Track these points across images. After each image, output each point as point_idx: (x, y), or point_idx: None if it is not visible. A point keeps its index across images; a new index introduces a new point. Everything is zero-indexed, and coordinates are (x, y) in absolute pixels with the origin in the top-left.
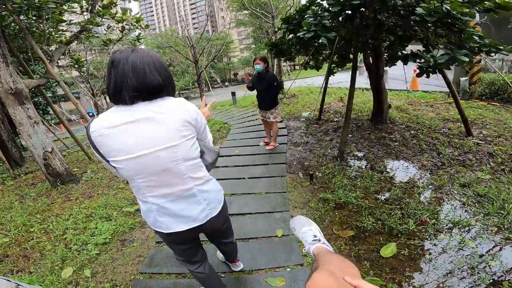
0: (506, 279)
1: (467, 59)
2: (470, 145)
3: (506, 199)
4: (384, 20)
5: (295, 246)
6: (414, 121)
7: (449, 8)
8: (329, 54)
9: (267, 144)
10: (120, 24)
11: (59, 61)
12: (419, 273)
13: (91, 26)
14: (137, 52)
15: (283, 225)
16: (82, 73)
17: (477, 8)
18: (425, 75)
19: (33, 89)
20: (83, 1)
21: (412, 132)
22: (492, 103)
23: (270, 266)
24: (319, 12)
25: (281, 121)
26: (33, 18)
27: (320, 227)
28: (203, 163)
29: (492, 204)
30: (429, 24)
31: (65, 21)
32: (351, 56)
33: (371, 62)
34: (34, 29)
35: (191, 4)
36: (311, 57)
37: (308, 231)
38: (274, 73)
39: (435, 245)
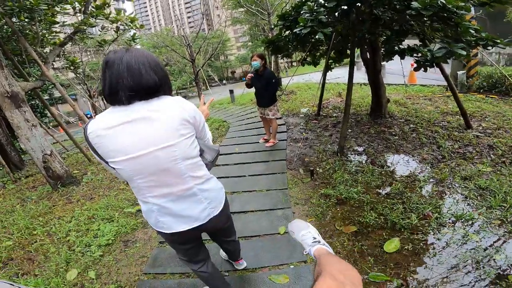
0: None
1: (464, 53)
2: (470, 137)
3: (508, 191)
4: (380, 14)
5: (298, 243)
6: (413, 115)
7: (444, 2)
8: (326, 49)
9: (266, 141)
10: (115, 25)
11: (54, 63)
12: (424, 268)
13: (85, 27)
14: (131, 52)
15: (285, 222)
16: (78, 75)
17: (472, 2)
18: (422, 69)
19: (29, 92)
20: (76, 2)
21: (411, 125)
22: (490, 95)
23: (274, 263)
24: (315, 7)
25: (280, 118)
26: (26, 20)
27: (322, 223)
28: (203, 161)
29: (494, 197)
30: (425, 18)
31: (58, 22)
32: (348, 51)
33: (368, 57)
34: (27, 31)
35: (186, 3)
36: (308, 53)
37: (307, 233)
38: (272, 70)
39: (438, 239)
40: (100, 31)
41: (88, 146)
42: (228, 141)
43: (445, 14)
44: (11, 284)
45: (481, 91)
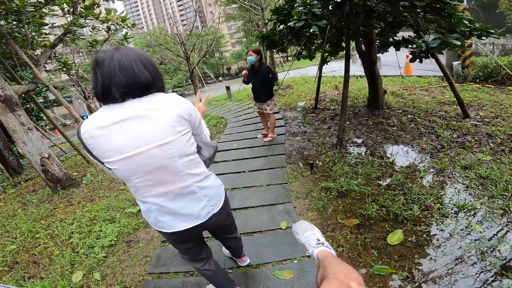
0: None
1: (459, 43)
2: (468, 126)
3: (509, 180)
4: (374, 6)
5: None
6: (411, 106)
7: None
8: (321, 43)
9: (265, 136)
10: (105, 25)
11: (46, 65)
12: (429, 260)
13: (74, 28)
14: (121, 50)
15: (287, 217)
16: (71, 76)
17: None
18: (418, 60)
19: (23, 95)
20: (64, 4)
21: (409, 116)
22: (487, 85)
23: (277, 259)
24: (308, 0)
25: (278, 112)
26: (14, 22)
27: (323, 216)
28: (200, 158)
29: (496, 186)
30: (418, 9)
31: (47, 24)
32: (343, 44)
33: (363, 49)
34: (16, 34)
35: (178, 1)
36: (303, 47)
37: (311, 235)
38: (268, 65)
39: (442, 230)
40: (91, 32)
41: (83, 147)
42: (226, 138)
43: (438, 5)
44: None
45: (477, 81)
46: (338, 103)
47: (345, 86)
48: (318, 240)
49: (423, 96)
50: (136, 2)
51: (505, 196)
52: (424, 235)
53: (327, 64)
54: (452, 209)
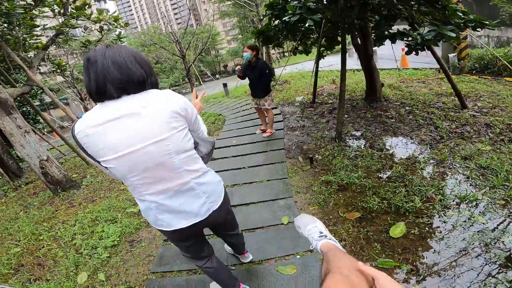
0: None
1: (454, 35)
2: (466, 117)
3: (509, 170)
4: None
5: None
6: (408, 98)
7: None
8: (317, 37)
9: (263, 131)
10: (98, 25)
11: (40, 67)
12: (432, 252)
13: (66, 29)
14: (113, 47)
15: (288, 212)
16: (66, 78)
17: None
18: (414, 52)
19: (18, 98)
20: (54, 5)
21: (407, 108)
22: (483, 76)
23: (280, 254)
24: None
25: (275, 107)
26: (4, 25)
27: (325, 210)
28: (198, 154)
29: (496, 176)
30: (413, 2)
31: (38, 25)
32: (339, 38)
33: (359, 43)
34: (7, 36)
35: (171, 0)
36: (299, 42)
37: (313, 228)
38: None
39: (444, 222)
40: (84, 32)
41: (78, 147)
42: (225, 134)
43: None
44: None
45: (473, 72)
46: (335, 97)
47: (342, 80)
48: (321, 232)
49: (420, 88)
50: (129, 1)
51: (506, 186)
52: (427, 227)
53: (323, 58)
54: (453, 200)
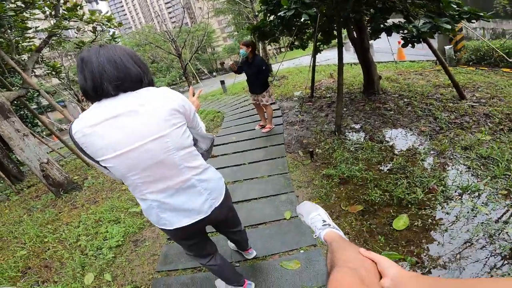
0: None
1: (449, 27)
2: (465, 108)
3: (510, 159)
4: None
5: (305, 226)
6: (406, 90)
7: None
8: (313, 32)
9: (262, 127)
10: (91, 25)
11: (35, 70)
12: (437, 244)
13: (59, 31)
14: (106, 46)
15: (290, 207)
16: (62, 80)
17: None
18: (410, 45)
19: (15, 102)
20: (45, 7)
21: (405, 100)
22: (480, 67)
23: (283, 249)
24: None
25: (274, 103)
26: None
27: (327, 204)
28: (198, 151)
29: (498, 165)
30: None
31: (30, 28)
32: (335, 32)
33: (355, 36)
34: (0, 39)
35: None
36: (295, 37)
37: (316, 216)
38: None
39: (447, 213)
40: (77, 33)
41: (76, 148)
42: (224, 131)
43: None
44: None
45: (470, 64)
46: (334, 90)
47: (340, 73)
48: (324, 221)
49: (418, 80)
50: (121, 2)
51: (507, 176)
52: (430, 219)
53: (320, 53)
54: (456, 191)
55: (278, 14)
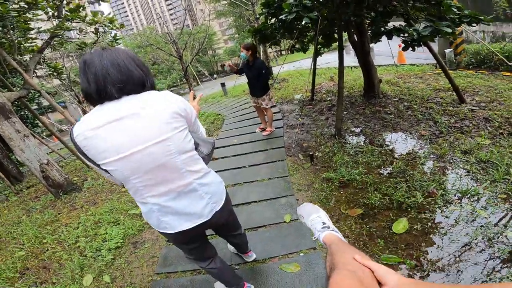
0: None
1: (450, 30)
2: (465, 112)
3: (510, 163)
4: None
5: (305, 229)
6: (406, 93)
7: None
8: (314, 35)
9: (263, 130)
10: (93, 27)
11: (37, 71)
12: (436, 248)
13: (61, 32)
14: (109, 49)
15: (290, 210)
16: (63, 81)
17: None
18: (410, 48)
19: (16, 102)
20: (47, 8)
21: (405, 103)
22: (480, 71)
23: (283, 252)
24: None
25: (274, 106)
26: None
27: (327, 207)
28: (199, 155)
29: (497, 169)
30: None
31: (33, 29)
32: (336, 35)
33: (356, 40)
34: (2, 40)
35: (166, 0)
36: (296, 40)
37: (316, 218)
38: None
39: (447, 217)
40: (79, 34)
41: (77, 151)
42: (224, 134)
43: None
44: None
45: (470, 67)
46: (334, 94)
47: (340, 77)
48: (324, 223)
49: (418, 83)
50: (123, 3)
51: (507, 180)
52: (429, 223)
53: (321, 56)
54: (455, 195)
55: (280, 17)
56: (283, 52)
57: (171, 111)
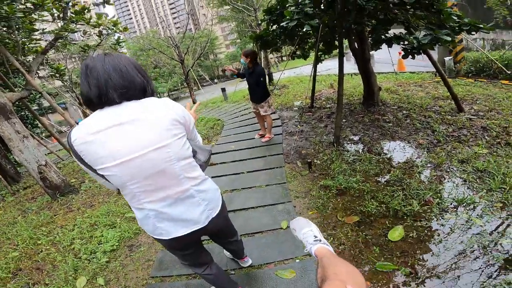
0: None
1: (449, 39)
2: (463, 120)
3: (506, 173)
4: (364, 4)
5: None
6: (405, 101)
7: None
8: (315, 42)
9: (262, 136)
10: (97, 29)
11: (39, 71)
12: (431, 255)
13: (65, 33)
14: (111, 55)
15: (287, 217)
16: (65, 82)
17: None
18: (410, 56)
19: (17, 103)
20: (53, 9)
21: (404, 112)
22: (479, 79)
23: (279, 258)
24: (300, 0)
25: (274, 112)
26: (4, 28)
27: (323, 214)
28: (197, 162)
29: (493, 179)
30: (408, 6)
31: (37, 30)
32: (336, 42)
33: (356, 47)
34: (6, 40)
35: (170, 4)
36: (297, 46)
37: (308, 231)
38: (262, 65)
39: (442, 225)
40: (83, 37)
41: (73, 155)
42: (224, 139)
43: (427, 1)
44: None
45: (469, 75)
46: (333, 101)
47: (340, 84)
48: (316, 236)
49: (417, 91)
50: (128, 6)
51: (503, 189)
52: (425, 231)
53: (321, 63)
54: (451, 204)
55: (281, 24)
56: (284, 58)
57: (171, 117)
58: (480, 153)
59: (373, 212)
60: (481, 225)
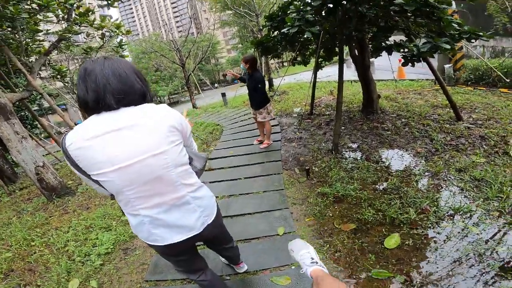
0: None
1: (448, 47)
2: (461, 129)
3: (503, 182)
4: (365, 11)
5: None
6: (404, 110)
7: None
8: (315, 48)
9: (261, 142)
10: (100, 31)
11: (40, 72)
12: (427, 263)
13: (69, 35)
14: (111, 59)
15: (284, 223)
16: (66, 84)
17: None
18: (410, 64)
19: (17, 103)
20: (58, 10)
21: (403, 120)
22: (478, 87)
23: (275, 265)
24: (302, 7)
25: (273, 119)
26: (8, 29)
27: (320, 222)
28: (193, 169)
29: (491, 187)
30: (409, 14)
31: (42, 30)
32: (337, 49)
33: (357, 54)
34: (10, 40)
35: (173, 8)
36: (298, 52)
37: (306, 253)
38: (263, 71)
39: (438, 233)
40: (86, 39)
41: (66, 160)
42: (222, 145)
43: (428, 9)
44: None
45: (469, 83)
46: (333, 108)
47: (340, 91)
48: (312, 259)
49: (416, 99)
50: (131, 9)
51: (500, 198)
52: (421, 238)
53: (321, 69)
54: (448, 212)
55: (282, 30)
56: (285, 64)
57: (169, 124)
58: (478, 162)
59: (369, 220)
60: (477, 233)
